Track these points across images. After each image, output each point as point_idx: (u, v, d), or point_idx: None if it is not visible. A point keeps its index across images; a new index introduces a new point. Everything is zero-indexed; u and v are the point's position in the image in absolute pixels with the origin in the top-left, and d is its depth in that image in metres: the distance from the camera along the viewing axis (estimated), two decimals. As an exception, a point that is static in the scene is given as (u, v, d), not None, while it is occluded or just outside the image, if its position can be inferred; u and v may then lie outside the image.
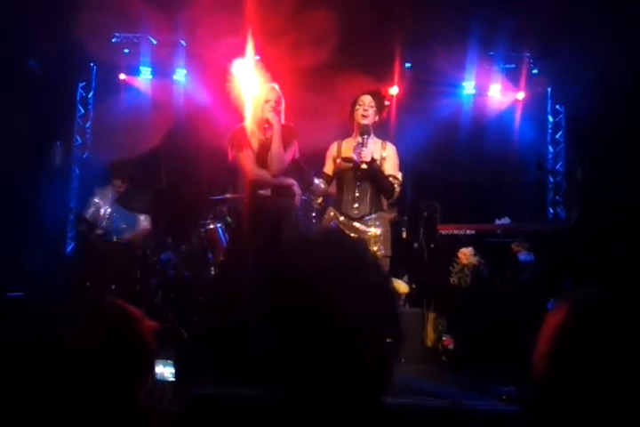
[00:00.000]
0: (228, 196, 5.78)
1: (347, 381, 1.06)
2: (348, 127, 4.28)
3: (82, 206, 6.24)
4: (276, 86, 4.14)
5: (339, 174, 4.20)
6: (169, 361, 3.04)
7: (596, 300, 1.13)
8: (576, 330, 1.09)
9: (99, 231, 5.62)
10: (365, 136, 4.04)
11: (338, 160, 4.18)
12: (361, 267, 1.11)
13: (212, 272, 5.44)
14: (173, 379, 2.90)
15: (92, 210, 5.80)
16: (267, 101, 4.08)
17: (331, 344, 1.05)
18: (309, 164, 4.43)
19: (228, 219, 5.76)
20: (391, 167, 4.16)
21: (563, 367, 1.08)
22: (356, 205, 4.12)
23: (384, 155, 4.15)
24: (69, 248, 7.76)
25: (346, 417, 1.06)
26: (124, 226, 5.77)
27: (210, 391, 3.44)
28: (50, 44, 6.63)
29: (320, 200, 5.90)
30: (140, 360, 1.20)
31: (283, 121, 4.15)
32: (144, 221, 5.85)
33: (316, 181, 4.20)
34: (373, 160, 4.03)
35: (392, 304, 1.15)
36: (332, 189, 4.31)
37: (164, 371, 3.00)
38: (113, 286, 5.07)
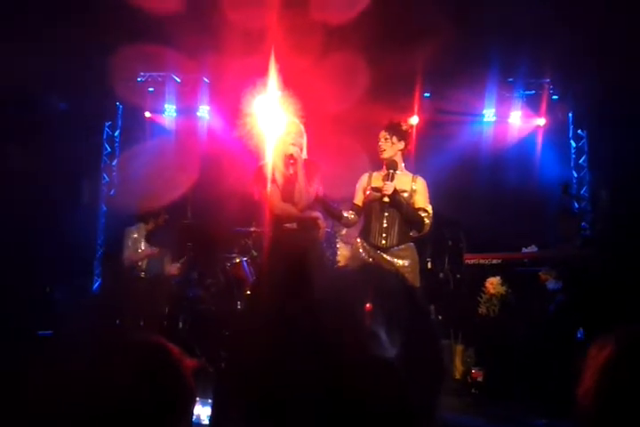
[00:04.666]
0: (252, 229, 5.80)
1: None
2: (374, 160, 4.35)
3: (110, 243, 6.29)
4: (298, 120, 4.16)
5: (367, 204, 4.21)
6: (207, 400, 3.00)
7: None
8: (625, 366, 1.08)
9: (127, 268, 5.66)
10: (391, 171, 4.08)
11: (368, 191, 4.22)
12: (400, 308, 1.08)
13: (239, 306, 5.43)
14: (208, 422, 2.87)
15: (131, 247, 5.85)
16: (288, 135, 4.11)
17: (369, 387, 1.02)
18: (333, 198, 4.44)
19: (254, 252, 5.76)
20: (422, 200, 4.17)
21: (611, 404, 1.07)
22: (384, 235, 4.12)
23: (414, 188, 4.17)
24: (96, 285, 7.83)
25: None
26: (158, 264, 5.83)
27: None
28: (77, 85, 6.81)
29: (344, 232, 5.92)
30: (179, 400, 1.19)
31: (305, 155, 4.17)
32: (170, 265, 5.92)
33: (345, 213, 4.22)
34: (396, 193, 4.04)
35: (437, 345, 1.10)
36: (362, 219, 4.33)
37: (201, 412, 2.97)
38: (141, 323, 5.09)
